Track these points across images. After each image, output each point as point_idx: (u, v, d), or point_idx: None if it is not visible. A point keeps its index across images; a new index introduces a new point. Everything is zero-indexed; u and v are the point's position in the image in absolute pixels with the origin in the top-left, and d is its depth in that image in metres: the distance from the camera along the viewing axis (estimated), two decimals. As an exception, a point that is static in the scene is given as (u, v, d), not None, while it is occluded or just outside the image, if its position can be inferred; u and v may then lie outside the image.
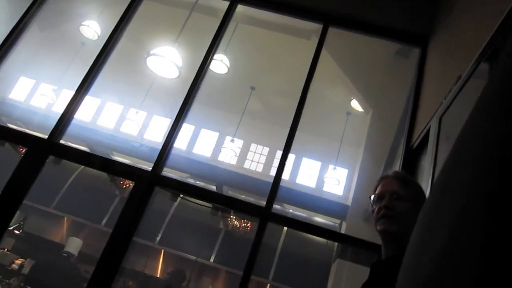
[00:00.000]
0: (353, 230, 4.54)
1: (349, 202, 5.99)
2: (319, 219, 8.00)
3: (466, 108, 2.11)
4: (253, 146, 11.41)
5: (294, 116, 3.98)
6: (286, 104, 5.63)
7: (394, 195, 1.64)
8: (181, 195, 4.34)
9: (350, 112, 7.69)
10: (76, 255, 5.88)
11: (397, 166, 3.60)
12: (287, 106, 4.69)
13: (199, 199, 4.15)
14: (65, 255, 5.69)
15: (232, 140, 9.60)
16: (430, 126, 2.86)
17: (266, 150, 11.36)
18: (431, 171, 2.59)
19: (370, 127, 5.46)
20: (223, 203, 4.15)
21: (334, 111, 8.13)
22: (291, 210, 8.35)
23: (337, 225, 7.12)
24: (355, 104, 6.52)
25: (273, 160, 10.94)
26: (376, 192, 1.72)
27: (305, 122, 4.03)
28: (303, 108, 4.03)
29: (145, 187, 3.59)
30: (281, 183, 3.74)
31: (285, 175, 3.86)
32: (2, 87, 7.18)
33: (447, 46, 3.39)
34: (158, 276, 7.99)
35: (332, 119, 8.45)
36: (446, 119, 2.48)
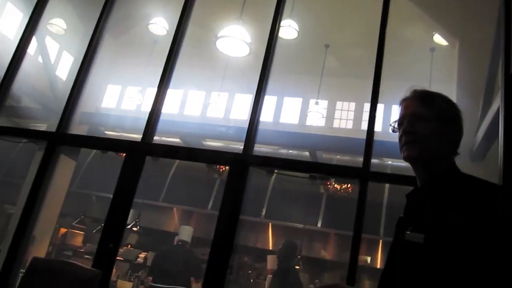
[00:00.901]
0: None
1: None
2: (421, 166, 7.67)
3: None
4: (338, 104, 11.17)
5: (376, 65, 3.80)
6: (364, 55, 5.39)
7: (414, 117, 1.47)
8: (276, 171, 4.36)
9: (434, 48, 7.18)
10: (190, 242, 6.21)
11: (498, 97, 3.30)
12: (366, 57, 4.49)
13: (293, 171, 4.13)
14: (180, 243, 6.04)
15: (317, 103, 9.47)
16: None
17: (352, 105, 11.06)
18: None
19: (460, 60, 5.06)
20: (318, 171, 4.08)
21: (417, 51, 7.64)
22: (390, 162, 8.09)
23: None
24: (439, 39, 6.09)
25: (362, 114, 10.62)
26: (398, 117, 1.55)
27: (387, 68, 3.84)
28: (383, 55, 3.83)
29: (240, 169, 3.65)
30: (374, 137, 3.61)
31: (377, 127, 3.73)
32: (93, 99, 7.62)
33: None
34: (270, 248, 8.21)
35: (416, 59, 7.95)
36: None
